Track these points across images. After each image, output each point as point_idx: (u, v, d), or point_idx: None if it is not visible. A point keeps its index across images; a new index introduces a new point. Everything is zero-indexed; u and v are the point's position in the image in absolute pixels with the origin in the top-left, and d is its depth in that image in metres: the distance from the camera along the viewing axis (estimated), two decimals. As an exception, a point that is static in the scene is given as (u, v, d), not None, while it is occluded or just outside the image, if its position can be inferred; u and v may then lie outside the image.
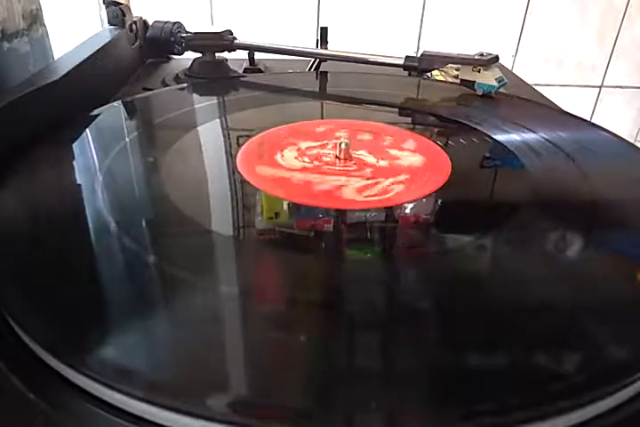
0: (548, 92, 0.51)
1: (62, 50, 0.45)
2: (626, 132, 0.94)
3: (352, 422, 0.17)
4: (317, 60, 0.54)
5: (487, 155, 0.35)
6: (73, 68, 0.39)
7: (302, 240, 0.26)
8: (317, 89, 0.49)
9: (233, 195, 0.29)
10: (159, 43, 0.56)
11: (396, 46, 0.78)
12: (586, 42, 0.86)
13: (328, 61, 0.53)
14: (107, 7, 0.52)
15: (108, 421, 0.17)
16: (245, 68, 0.55)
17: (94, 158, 0.32)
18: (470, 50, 0.44)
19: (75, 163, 0.32)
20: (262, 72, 0.55)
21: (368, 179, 0.30)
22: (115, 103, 0.40)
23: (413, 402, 0.17)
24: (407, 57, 0.46)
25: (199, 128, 0.37)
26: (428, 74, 0.49)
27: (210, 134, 0.37)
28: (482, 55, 0.43)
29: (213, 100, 0.44)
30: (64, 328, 0.19)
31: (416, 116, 0.42)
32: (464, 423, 0.16)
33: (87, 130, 0.35)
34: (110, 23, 0.52)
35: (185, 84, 0.48)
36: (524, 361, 0.19)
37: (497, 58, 0.43)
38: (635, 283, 0.23)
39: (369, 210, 0.27)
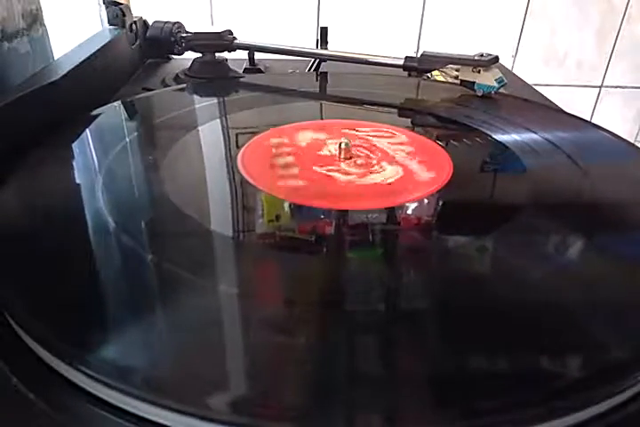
0: (547, 92, 0.51)
1: (62, 50, 0.45)
2: (626, 133, 0.94)
3: (353, 423, 0.17)
4: (317, 61, 0.54)
5: (487, 155, 0.35)
6: (73, 68, 0.39)
7: (303, 242, 0.26)
8: (317, 89, 0.49)
9: (233, 196, 0.29)
10: (159, 43, 0.56)
11: (396, 46, 0.78)
12: (586, 42, 0.86)
13: (328, 62, 0.53)
14: (107, 7, 0.52)
15: (108, 421, 0.17)
16: (245, 68, 0.55)
17: (94, 158, 0.32)
18: (470, 50, 0.44)
19: (75, 163, 0.32)
20: (262, 72, 0.55)
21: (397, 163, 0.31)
22: (115, 103, 0.40)
23: (414, 402, 0.17)
24: (407, 57, 0.46)
25: (199, 128, 0.37)
26: (428, 74, 0.49)
27: (210, 135, 0.37)
28: (482, 56, 0.43)
29: (213, 101, 0.44)
30: (64, 328, 0.19)
31: (416, 116, 0.42)
32: (464, 423, 0.16)
33: (87, 130, 0.35)
34: (110, 23, 0.52)
35: (185, 85, 0.48)
36: (525, 361, 0.19)
37: (497, 58, 0.43)
38: (635, 283, 0.23)
39: (370, 211, 0.27)
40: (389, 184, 0.29)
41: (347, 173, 0.30)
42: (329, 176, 0.30)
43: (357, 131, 0.36)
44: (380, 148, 0.34)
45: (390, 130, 0.37)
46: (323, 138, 0.35)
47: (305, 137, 0.35)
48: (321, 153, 0.33)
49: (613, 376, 0.17)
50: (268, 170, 0.31)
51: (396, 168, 0.31)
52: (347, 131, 0.36)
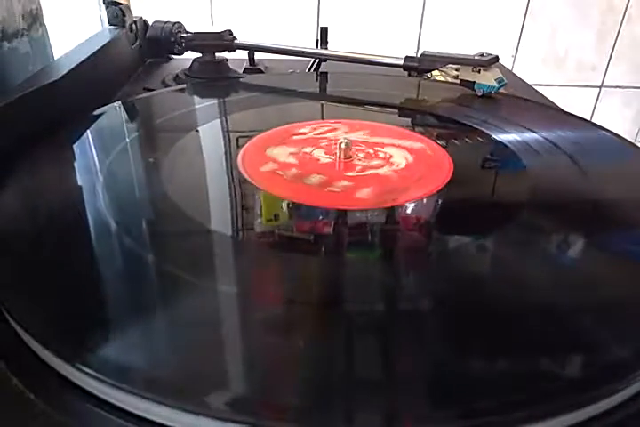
0: (548, 92, 0.51)
1: (62, 50, 0.45)
2: (626, 133, 0.94)
3: (352, 423, 0.17)
4: (317, 61, 0.54)
5: (487, 155, 0.35)
6: (73, 68, 0.39)
7: (302, 242, 0.26)
8: (317, 89, 0.49)
9: (233, 196, 0.29)
10: (159, 43, 0.56)
11: (396, 46, 0.78)
12: (586, 42, 0.86)
13: (328, 62, 0.53)
14: (107, 7, 0.52)
15: (108, 420, 0.17)
16: (245, 69, 0.55)
17: (95, 159, 0.32)
18: (470, 50, 0.44)
19: (75, 163, 0.32)
20: (262, 72, 0.55)
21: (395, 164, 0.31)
22: (115, 103, 0.40)
23: (414, 402, 0.17)
24: (407, 57, 0.46)
25: (199, 128, 0.37)
26: (428, 74, 0.49)
27: (210, 135, 0.37)
28: (482, 55, 0.43)
29: (213, 101, 0.44)
30: (64, 328, 0.19)
31: (416, 116, 0.42)
32: (464, 423, 0.16)
33: (87, 130, 0.35)
34: (110, 23, 0.52)
35: (185, 85, 0.48)
36: (525, 361, 0.19)
37: (497, 58, 0.43)
38: (635, 283, 0.23)
39: (369, 210, 0.27)
40: (390, 184, 0.29)
41: (347, 173, 0.30)
42: (330, 175, 0.30)
43: (357, 131, 0.36)
44: (378, 148, 0.34)
45: (389, 129, 0.37)
46: (322, 138, 0.35)
47: (304, 137, 0.35)
48: (321, 153, 0.33)
49: (613, 376, 0.17)
50: (269, 170, 0.31)
51: (395, 168, 0.31)
52: (346, 131, 0.36)
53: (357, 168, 0.31)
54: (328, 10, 0.80)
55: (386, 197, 0.28)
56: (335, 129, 0.36)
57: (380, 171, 0.31)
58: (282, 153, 0.33)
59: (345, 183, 0.29)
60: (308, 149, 0.33)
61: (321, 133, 0.36)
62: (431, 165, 0.32)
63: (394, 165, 0.32)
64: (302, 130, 0.36)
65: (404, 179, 0.30)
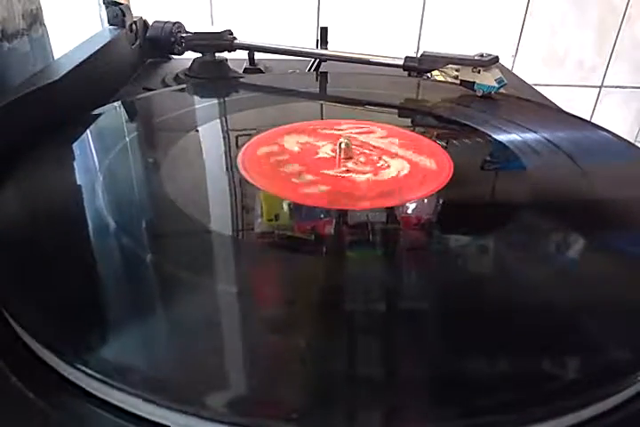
0: (547, 92, 0.51)
1: (62, 50, 0.45)
2: (626, 133, 0.94)
3: (352, 422, 0.17)
4: (317, 61, 0.54)
5: (487, 155, 0.35)
6: (73, 68, 0.39)
7: (303, 241, 0.26)
8: (317, 89, 0.49)
9: (233, 195, 0.29)
10: (159, 43, 0.56)
11: (396, 46, 0.78)
12: (586, 42, 0.86)
13: (328, 62, 0.53)
14: (107, 7, 0.52)
15: (107, 420, 0.17)
16: (245, 68, 0.55)
17: (94, 158, 0.32)
18: (470, 50, 0.44)
19: (75, 163, 0.32)
20: (262, 72, 0.55)
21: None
22: (115, 103, 0.40)
23: (413, 402, 0.17)
24: (407, 57, 0.46)
25: (199, 128, 0.37)
26: (428, 74, 0.49)
27: (210, 135, 0.37)
28: (482, 56, 0.43)
29: (213, 101, 0.44)
30: (64, 327, 0.19)
31: (416, 116, 0.42)
32: (464, 424, 0.16)
33: (87, 130, 0.35)
34: (110, 23, 0.52)
35: (185, 85, 0.48)
36: (525, 361, 0.19)
37: (497, 58, 0.43)
38: (635, 283, 0.23)
39: (369, 210, 0.27)
40: (406, 177, 0.29)
41: (360, 173, 0.30)
42: (345, 178, 0.30)
43: (358, 134, 0.36)
44: (377, 145, 0.34)
45: (389, 130, 0.37)
46: (318, 139, 0.35)
47: (302, 138, 0.35)
48: (320, 155, 0.33)
49: (613, 376, 0.17)
50: (272, 171, 0.31)
51: (400, 161, 0.31)
52: (347, 132, 0.36)
53: (365, 167, 0.31)
54: (328, 10, 0.80)
55: (389, 198, 0.28)
56: (329, 130, 0.36)
57: (380, 171, 0.31)
58: (283, 155, 0.33)
59: (364, 183, 0.29)
60: (305, 151, 0.33)
61: (317, 134, 0.36)
62: (431, 156, 0.32)
63: (392, 167, 0.31)
64: (319, 144, 0.36)
65: (404, 178, 0.30)
